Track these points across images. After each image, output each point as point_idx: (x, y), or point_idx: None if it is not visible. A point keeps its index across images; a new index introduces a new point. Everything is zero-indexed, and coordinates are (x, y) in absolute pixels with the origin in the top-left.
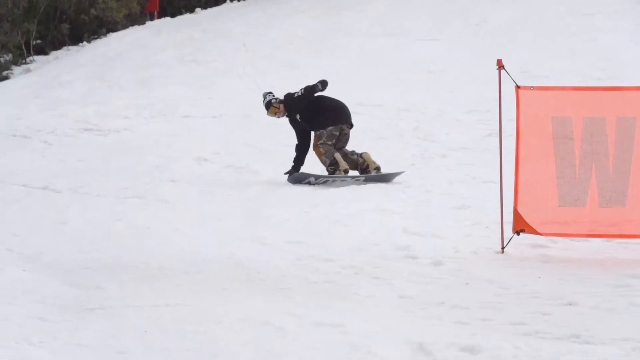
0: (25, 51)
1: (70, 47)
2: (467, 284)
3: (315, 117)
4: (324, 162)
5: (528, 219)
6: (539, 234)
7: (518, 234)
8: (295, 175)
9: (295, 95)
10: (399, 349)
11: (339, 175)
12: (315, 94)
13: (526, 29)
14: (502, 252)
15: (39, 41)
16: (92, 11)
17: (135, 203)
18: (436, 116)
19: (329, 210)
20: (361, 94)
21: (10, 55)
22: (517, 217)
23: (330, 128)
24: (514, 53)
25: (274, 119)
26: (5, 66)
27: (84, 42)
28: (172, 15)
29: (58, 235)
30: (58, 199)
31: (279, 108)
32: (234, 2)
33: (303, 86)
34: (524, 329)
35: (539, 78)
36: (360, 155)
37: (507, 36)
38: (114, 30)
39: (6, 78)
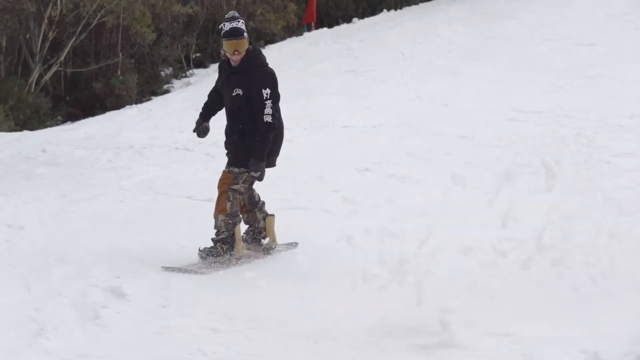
0: (185, 64)
1: None
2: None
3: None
4: (218, 225)
5: None
6: None
7: None
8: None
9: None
10: (573, 358)
11: (217, 261)
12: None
13: None
14: None
15: (198, 54)
16: (251, 23)
17: (299, 213)
18: (598, 122)
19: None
20: (519, 101)
21: (170, 68)
22: None
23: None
24: None
25: (224, 52)
26: (166, 80)
27: None
28: (330, 26)
29: None
30: None
31: (245, 51)
32: (391, 11)
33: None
34: None
35: None
36: (264, 218)
37: None
38: (272, 41)
39: (167, 92)
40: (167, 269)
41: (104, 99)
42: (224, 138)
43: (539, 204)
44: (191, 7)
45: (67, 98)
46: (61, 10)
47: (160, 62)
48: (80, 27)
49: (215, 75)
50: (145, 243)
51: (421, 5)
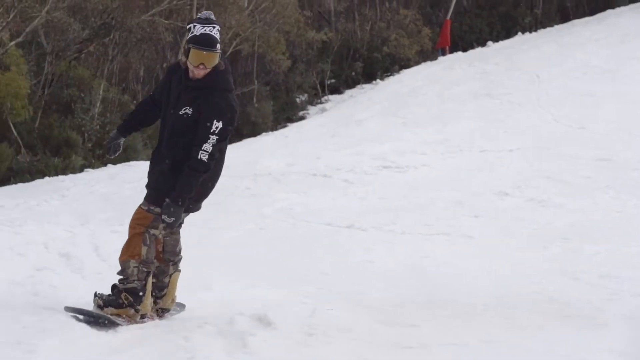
0: (320, 91)
1: (364, 85)
2: None
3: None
4: (127, 272)
5: None
6: None
7: None
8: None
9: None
10: None
11: (119, 314)
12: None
13: None
14: None
15: (333, 80)
16: (385, 49)
17: (440, 239)
18: None
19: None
20: None
21: (306, 95)
22: None
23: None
24: None
25: (185, 60)
26: (302, 106)
27: (377, 80)
28: (464, 50)
29: (366, 273)
30: (363, 237)
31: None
32: (526, 34)
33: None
34: None
35: None
36: (171, 275)
37: None
38: (407, 66)
39: (303, 118)
40: (69, 309)
41: (241, 127)
42: (359, 164)
43: None
44: (325, 34)
45: None
46: None
47: (295, 88)
48: None
49: (350, 101)
50: (287, 270)
51: (556, 27)
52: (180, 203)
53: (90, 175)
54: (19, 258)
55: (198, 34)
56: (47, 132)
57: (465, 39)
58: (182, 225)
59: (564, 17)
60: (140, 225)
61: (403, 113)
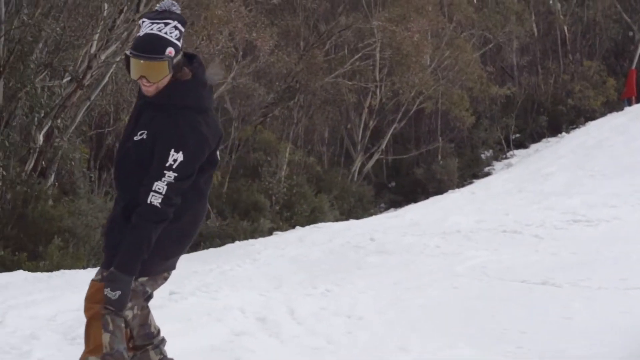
0: (505, 146)
1: (549, 139)
2: None
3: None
4: None
5: None
6: None
7: None
8: None
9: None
10: None
11: None
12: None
13: None
14: None
15: (517, 135)
16: (569, 101)
17: (639, 294)
18: None
19: None
20: None
21: (490, 151)
22: None
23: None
24: None
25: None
26: (487, 162)
27: (563, 133)
28: None
29: (566, 331)
30: (559, 293)
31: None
32: None
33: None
34: None
35: None
36: None
37: None
38: (592, 118)
39: (488, 174)
40: None
41: (426, 185)
42: (549, 218)
43: None
44: (509, 88)
45: (389, 185)
46: (380, 99)
47: (480, 144)
48: (400, 114)
49: (535, 155)
50: (484, 329)
51: None
52: (127, 271)
53: (279, 238)
54: (217, 324)
55: (141, 34)
56: (235, 196)
57: None
58: (151, 298)
59: None
60: (95, 302)
61: (590, 165)
